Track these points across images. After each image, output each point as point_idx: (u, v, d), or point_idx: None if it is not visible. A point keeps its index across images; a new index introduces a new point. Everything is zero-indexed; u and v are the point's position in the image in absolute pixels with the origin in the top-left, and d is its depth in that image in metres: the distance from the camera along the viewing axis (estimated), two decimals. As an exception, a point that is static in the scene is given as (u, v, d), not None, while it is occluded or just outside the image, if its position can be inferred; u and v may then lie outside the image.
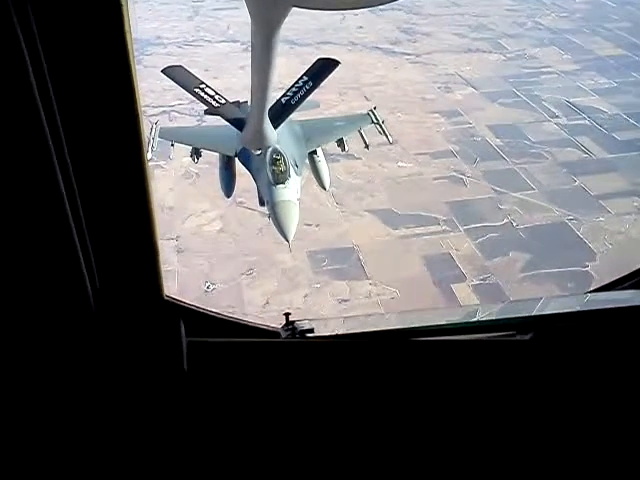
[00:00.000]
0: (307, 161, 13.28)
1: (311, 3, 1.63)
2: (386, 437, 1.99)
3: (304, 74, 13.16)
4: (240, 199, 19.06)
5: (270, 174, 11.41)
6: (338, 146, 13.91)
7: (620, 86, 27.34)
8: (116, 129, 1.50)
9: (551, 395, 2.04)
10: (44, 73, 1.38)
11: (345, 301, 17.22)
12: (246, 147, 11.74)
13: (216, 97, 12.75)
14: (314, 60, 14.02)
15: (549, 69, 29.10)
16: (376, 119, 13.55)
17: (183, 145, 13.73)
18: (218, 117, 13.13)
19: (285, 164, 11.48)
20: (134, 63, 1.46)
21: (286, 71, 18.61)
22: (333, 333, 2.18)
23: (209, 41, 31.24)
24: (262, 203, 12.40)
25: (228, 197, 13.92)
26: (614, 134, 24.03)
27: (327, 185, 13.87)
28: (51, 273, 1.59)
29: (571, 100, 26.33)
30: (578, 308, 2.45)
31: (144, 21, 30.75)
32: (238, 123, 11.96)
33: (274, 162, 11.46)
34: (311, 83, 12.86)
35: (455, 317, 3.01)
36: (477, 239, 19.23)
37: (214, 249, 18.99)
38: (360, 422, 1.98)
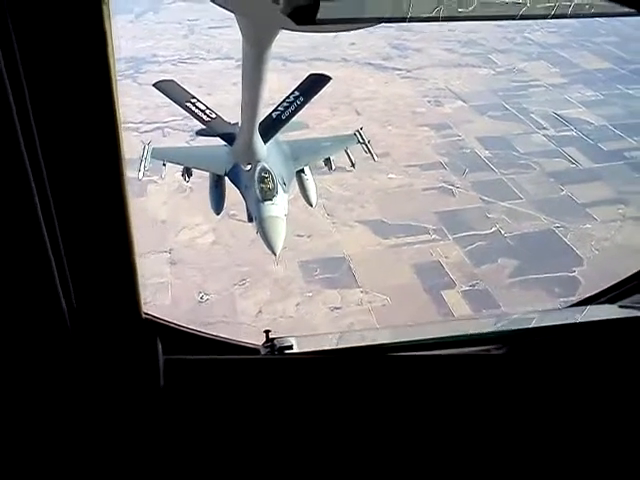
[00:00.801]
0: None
1: (298, 27, 1.70)
2: (365, 452, 2.00)
3: (295, 89, 13.38)
4: (232, 212, 19.35)
5: (258, 191, 11.73)
6: (325, 165, 14.20)
7: (606, 98, 27.90)
8: (95, 146, 1.48)
9: (527, 409, 2.06)
10: (24, 90, 1.35)
11: (337, 309, 17.48)
12: (236, 161, 12.03)
13: (207, 112, 13.08)
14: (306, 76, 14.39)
15: (537, 82, 29.65)
16: (362, 139, 13.84)
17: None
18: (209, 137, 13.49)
19: (273, 182, 11.81)
20: (116, 81, 1.43)
21: (278, 86, 18.96)
22: (312, 350, 2.17)
23: (203, 59, 31.75)
24: (251, 220, 12.67)
25: (217, 214, 14.24)
26: (600, 144, 24.52)
27: (314, 202, 14.14)
28: (26, 292, 1.57)
29: (559, 112, 26.82)
30: (553, 323, 2.48)
31: (140, 40, 31.30)
32: (229, 138, 12.29)
33: (262, 180, 11.79)
34: (302, 98, 13.07)
35: (434, 332, 3.01)
36: (466, 247, 19.58)
37: (207, 261, 19.26)
38: (338, 437, 1.99)
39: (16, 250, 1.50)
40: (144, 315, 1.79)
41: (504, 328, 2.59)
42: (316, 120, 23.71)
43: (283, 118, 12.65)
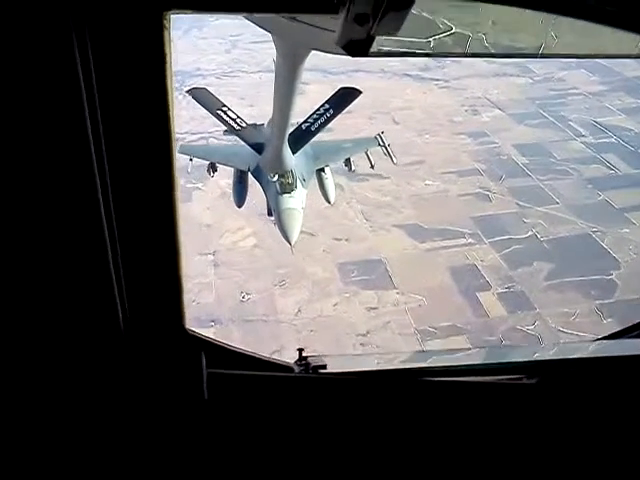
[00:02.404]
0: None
1: (328, 49, 1.73)
2: (392, 475, 2.05)
3: (326, 102, 13.90)
4: (273, 218, 20.03)
5: (278, 185, 12.37)
6: (345, 165, 14.77)
7: (647, 106, 27.72)
8: (152, 163, 1.60)
9: (556, 440, 2.05)
10: (96, 109, 1.48)
11: (373, 309, 17.92)
12: (265, 170, 12.52)
13: (237, 120, 13.68)
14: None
15: (576, 91, 29.57)
16: (382, 142, 14.26)
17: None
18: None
19: (292, 177, 12.45)
20: (172, 97, 1.54)
21: (319, 98, 19.47)
22: (345, 370, 2.21)
23: (246, 72, 32.69)
24: (270, 213, 13.33)
25: (239, 207, 14.93)
26: (640, 151, 24.40)
27: (332, 200, 14.67)
28: (87, 301, 1.70)
29: (598, 120, 26.71)
30: (585, 354, 2.51)
31: (185, 55, 32.48)
32: (257, 146, 12.92)
33: (283, 175, 12.44)
34: (332, 111, 13.59)
35: (465, 358, 3.13)
36: (502, 251, 19.77)
37: (249, 262, 19.96)
38: (367, 458, 2.04)
39: (82, 260, 1.65)
40: (187, 330, 1.90)
41: (536, 358, 2.63)
42: (354, 130, 24.25)
43: (312, 130, 13.17)
